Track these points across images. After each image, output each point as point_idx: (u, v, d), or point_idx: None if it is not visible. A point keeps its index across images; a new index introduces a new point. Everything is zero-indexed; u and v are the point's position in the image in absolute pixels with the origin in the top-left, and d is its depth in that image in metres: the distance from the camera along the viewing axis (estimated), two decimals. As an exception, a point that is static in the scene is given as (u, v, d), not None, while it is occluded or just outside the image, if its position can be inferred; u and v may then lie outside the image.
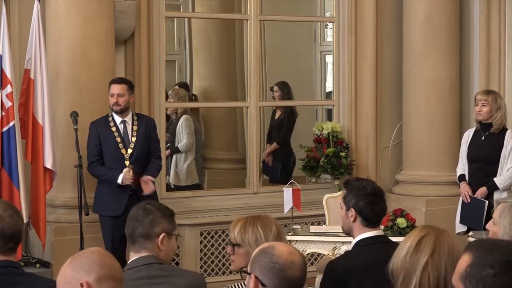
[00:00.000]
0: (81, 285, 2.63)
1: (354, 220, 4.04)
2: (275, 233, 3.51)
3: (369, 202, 4.01)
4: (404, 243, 2.93)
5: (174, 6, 11.07)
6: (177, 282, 3.49)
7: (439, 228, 3.00)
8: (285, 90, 9.40)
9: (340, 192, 7.31)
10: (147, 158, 6.75)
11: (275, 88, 9.47)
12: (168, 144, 8.97)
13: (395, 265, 2.90)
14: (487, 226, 3.92)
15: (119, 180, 6.50)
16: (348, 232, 4.17)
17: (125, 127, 6.68)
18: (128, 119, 6.70)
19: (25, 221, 5.66)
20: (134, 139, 6.67)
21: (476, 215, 6.86)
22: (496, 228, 3.78)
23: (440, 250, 2.83)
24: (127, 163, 6.58)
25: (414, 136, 8.35)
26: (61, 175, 6.78)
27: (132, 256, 3.51)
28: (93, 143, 6.63)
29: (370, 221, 4.02)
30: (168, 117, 9.20)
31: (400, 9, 8.49)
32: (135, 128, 6.70)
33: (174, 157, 9.20)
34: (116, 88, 6.63)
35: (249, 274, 2.82)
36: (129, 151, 6.63)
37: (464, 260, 2.34)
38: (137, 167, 6.62)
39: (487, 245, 2.35)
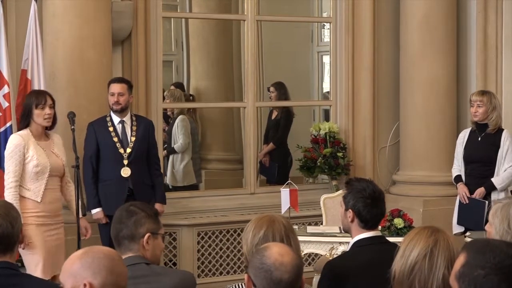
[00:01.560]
0: (84, 285, 2.66)
1: (352, 221, 4.04)
2: (261, 236, 3.45)
3: (367, 205, 4.00)
4: (409, 249, 2.90)
5: (171, 6, 11.08)
6: (164, 281, 3.47)
7: (442, 231, 2.99)
8: (281, 91, 9.42)
9: (337, 193, 7.33)
10: (146, 158, 6.74)
11: (271, 89, 9.49)
12: (166, 145, 8.97)
13: (401, 270, 2.88)
14: (486, 227, 3.94)
15: (93, 212, 6.55)
16: (346, 231, 4.18)
17: (123, 127, 6.67)
18: (127, 119, 6.69)
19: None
20: (133, 139, 6.66)
21: (476, 216, 6.84)
22: (491, 228, 3.80)
23: (453, 261, 2.80)
24: (125, 162, 6.58)
25: (411, 136, 8.34)
26: (58, 176, 6.77)
27: None
28: (90, 147, 6.61)
29: (367, 223, 4.02)
30: (168, 117, 9.22)
31: (397, 9, 8.49)
32: (134, 128, 6.69)
33: (170, 157, 9.21)
34: (116, 87, 6.62)
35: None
36: (128, 150, 6.62)
37: (460, 260, 2.36)
38: (136, 166, 6.61)
39: (481, 246, 2.37)
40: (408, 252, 2.92)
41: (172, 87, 9.62)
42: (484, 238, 2.88)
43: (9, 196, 5.77)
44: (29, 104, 5.99)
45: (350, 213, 4.04)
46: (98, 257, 2.71)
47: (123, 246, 3.50)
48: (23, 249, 5.83)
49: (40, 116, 5.96)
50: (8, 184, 5.85)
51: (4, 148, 6.41)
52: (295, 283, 2.76)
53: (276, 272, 2.72)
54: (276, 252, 2.77)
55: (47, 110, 5.98)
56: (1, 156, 6.43)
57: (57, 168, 6.04)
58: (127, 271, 2.77)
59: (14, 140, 5.93)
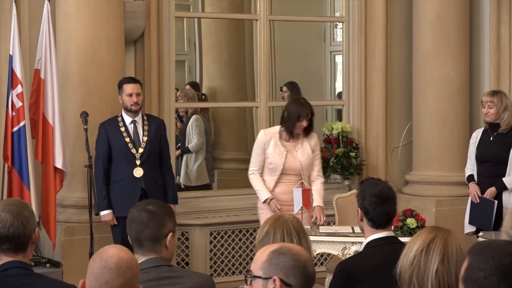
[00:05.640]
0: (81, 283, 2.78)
1: (361, 220, 4.10)
2: (264, 233, 3.49)
3: (372, 203, 4.04)
4: (411, 245, 2.95)
5: (184, 6, 11.08)
6: (186, 282, 3.49)
7: (446, 230, 3.02)
8: (294, 90, 9.42)
9: (350, 192, 7.35)
10: (158, 158, 6.74)
11: (284, 89, 9.50)
12: (179, 145, 8.98)
13: (403, 267, 2.91)
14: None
15: (102, 213, 6.58)
16: (362, 230, 4.22)
17: (135, 127, 6.66)
18: (139, 119, 6.69)
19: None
20: (145, 138, 6.66)
21: (485, 215, 6.85)
22: None
23: (449, 256, 2.86)
24: (138, 162, 6.58)
25: (424, 136, 8.33)
26: (71, 175, 6.80)
27: (140, 258, 3.47)
28: (101, 147, 6.62)
29: (374, 223, 4.05)
30: (182, 117, 9.23)
31: (410, 8, 8.48)
32: (146, 128, 6.70)
33: (184, 157, 9.21)
34: (134, 88, 6.61)
35: (260, 277, 2.78)
36: (140, 150, 6.62)
37: (464, 264, 2.37)
38: (148, 166, 6.62)
39: (482, 248, 2.37)
40: (410, 249, 2.96)
41: (188, 87, 9.64)
42: (489, 240, 2.90)
43: (253, 179, 6.78)
44: (300, 114, 6.63)
45: (359, 211, 4.09)
46: (103, 266, 2.77)
47: (146, 247, 3.48)
48: None
49: (301, 126, 6.64)
50: (250, 171, 6.81)
51: (18, 147, 6.48)
52: None
53: (310, 267, 2.79)
54: (301, 249, 2.84)
55: (304, 123, 6.64)
56: (14, 155, 6.47)
57: (292, 168, 6.67)
58: (132, 279, 2.80)
59: (259, 135, 6.90)
